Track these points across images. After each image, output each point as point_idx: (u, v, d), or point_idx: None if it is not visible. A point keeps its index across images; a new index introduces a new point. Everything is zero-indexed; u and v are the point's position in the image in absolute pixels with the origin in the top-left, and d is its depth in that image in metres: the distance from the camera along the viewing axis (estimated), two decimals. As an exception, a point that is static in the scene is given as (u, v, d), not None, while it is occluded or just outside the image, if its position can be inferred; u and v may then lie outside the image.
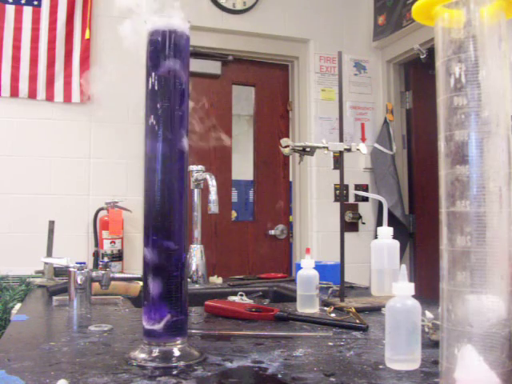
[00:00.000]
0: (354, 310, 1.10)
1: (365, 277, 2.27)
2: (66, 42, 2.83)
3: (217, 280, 1.88)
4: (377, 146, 3.31)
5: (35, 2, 2.78)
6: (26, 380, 0.70)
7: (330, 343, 0.93)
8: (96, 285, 1.37)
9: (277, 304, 1.48)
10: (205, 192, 1.81)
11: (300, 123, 3.37)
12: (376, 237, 1.44)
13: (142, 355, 0.80)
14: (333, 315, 1.14)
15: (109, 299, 1.41)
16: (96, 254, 2.73)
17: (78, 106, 2.85)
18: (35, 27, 2.78)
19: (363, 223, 3.32)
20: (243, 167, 3.69)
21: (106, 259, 2.64)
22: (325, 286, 1.52)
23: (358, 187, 3.30)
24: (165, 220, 0.81)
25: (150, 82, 0.82)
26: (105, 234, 2.68)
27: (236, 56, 3.28)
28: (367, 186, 3.35)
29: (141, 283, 1.45)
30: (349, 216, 3.27)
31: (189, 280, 1.76)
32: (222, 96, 3.29)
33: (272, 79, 3.42)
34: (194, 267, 1.79)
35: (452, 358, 0.58)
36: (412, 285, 0.75)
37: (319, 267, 1.27)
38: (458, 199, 0.57)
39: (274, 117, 3.41)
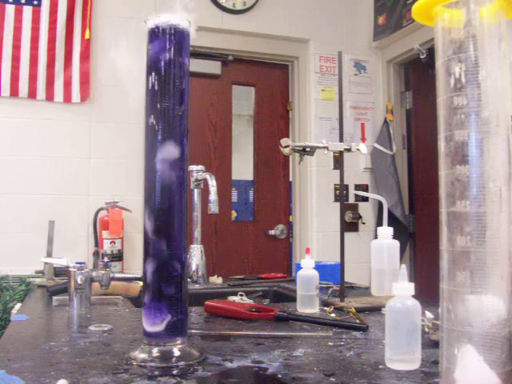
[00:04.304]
0: (354, 309, 1.10)
1: (365, 277, 2.27)
2: (65, 41, 2.82)
3: (217, 280, 1.88)
4: (377, 146, 3.31)
5: (35, 2, 2.77)
6: (25, 380, 0.70)
7: (330, 343, 0.93)
8: (96, 285, 1.37)
9: (277, 304, 1.48)
10: (205, 192, 1.81)
11: (300, 123, 3.36)
12: (376, 237, 1.44)
13: (142, 355, 0.80)
14: (333, 315, 1.14)
15: (109, 299, 1.41)
16: (96, 254, 2.73)
17: (78, 106, 2.85)
18: (35, 27, 2.78)
19: (363, 223, 3.32)
20: (243, 167, 3.69)
21: (106, 259, 2.63)
22: (325, 286, 1.52)
23: (357, 187, 3.30)
24: (165, 220, 0.81)
25: (150, 81, 0.82)
26: (105, 233, 2.68)
27: (236, 56, 3.27)
28: (367, 186, 3.35)
29: (141, 283, 1.45)
30: (349, 216, 3.27)
31: (189, 280, 1.76)
32: (221, 96, 3.29)
33: (272, 79, 3.42)
34: (193, 267, 1.79)
35: (452, 358, 0.58)
36: (412, 285, 0.75)
37: (319, 267, 1.27)
38: (458, 199, 0.57)
39: (274, 117, 3.41)
